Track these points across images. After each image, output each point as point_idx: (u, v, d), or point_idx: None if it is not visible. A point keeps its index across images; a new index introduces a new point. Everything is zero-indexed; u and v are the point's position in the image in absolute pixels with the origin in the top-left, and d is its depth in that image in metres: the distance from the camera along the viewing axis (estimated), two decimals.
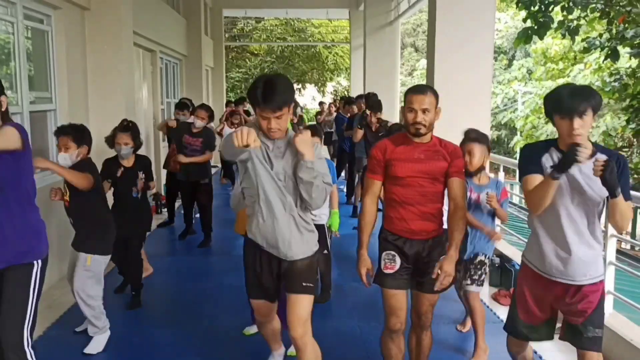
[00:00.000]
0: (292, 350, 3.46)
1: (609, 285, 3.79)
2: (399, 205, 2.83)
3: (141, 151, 4.62)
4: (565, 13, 8.27)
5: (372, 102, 7.02)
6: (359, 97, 8.59)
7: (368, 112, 6.65)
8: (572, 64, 15.90)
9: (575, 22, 8.65)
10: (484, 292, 4.43)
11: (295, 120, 7.63)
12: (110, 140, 4.32)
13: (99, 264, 3.75)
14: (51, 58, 5.34)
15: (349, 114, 8.66)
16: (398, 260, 2.84)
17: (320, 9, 16.45)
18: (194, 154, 6.17)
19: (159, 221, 7.31)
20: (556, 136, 2.52)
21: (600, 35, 9.08)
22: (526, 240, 2.77)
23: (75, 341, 3.83)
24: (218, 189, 8.91)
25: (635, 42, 8.53)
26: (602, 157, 2.33)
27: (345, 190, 8.73)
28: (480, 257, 3.62)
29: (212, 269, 5.60)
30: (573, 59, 15.99)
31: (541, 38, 8.76)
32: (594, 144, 2.47)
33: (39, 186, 2.87)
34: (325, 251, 4.53)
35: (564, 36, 8.94)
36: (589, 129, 2.40)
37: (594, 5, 8.51)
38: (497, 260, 4.99)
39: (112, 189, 4.41)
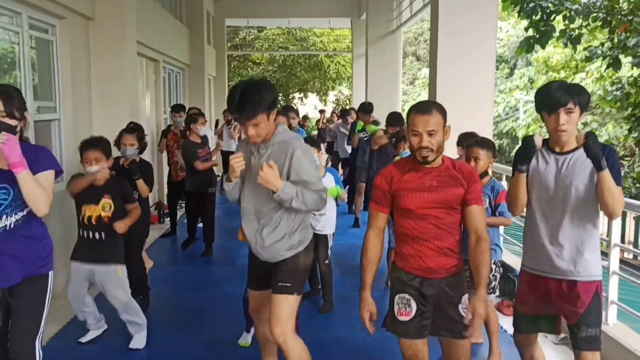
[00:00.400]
0: None
1: (613, 295, 3.78)
2: (413, 241, 2.49)
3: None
4: (566, 22, 8.32)
5: (392, 116, 6.31)
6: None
7: (387, 127, 6.21)
8: (573, 73, 15.89)
9: (576, 31, 8.70)
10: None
11: (298, 122, 7.63)
12: (117, 142, 4.46)
13: (125, 271, 3.84)
14: (56, 68, 5.37)
15: (349, 125, 8.70)
16: (414, 305, 2.48)
17: (322, 18, 16.51)
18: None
19: (161, 231, 7.31)
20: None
21: (602, 44, 9.11)
22: None
23: (78, 352, 3.82)
24: (219, 198, 8.91)
25: (637, 52, 8.55)
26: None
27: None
28: None
29: (215, 279, 5.58)
30: (575, 68, 15.98)
31: (543, 47, 8.79)
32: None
33: None
34: (327, 261, 4.53)
35: (565, 45, 8.99)
36: (576, 125, 2.47)
37: (595, 14, 8.54)
38: (500, 269, 4.95)
39: None
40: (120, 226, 3.66)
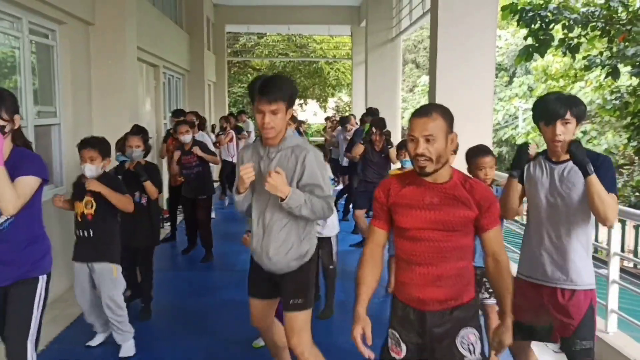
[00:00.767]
0: None
1: (613, 304, 3.77)
2: (407, 266, 2.21)
3: None
4: (565, 31, 8.36)
5: (377, 120, 6.53)
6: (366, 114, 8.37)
7: (374, 129, 6.29)
8: (572, 82, 15.95)
9: (575, 40, 8.73)
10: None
11: (295, 127, 7.55)
12: (121, 144, 4.44)
13: (120, 271, 3.80)
14: (56, 72, 5.37)
15: (348, 132, 8.65)
16: (403, 347, 2.23)
17: (322, 25, 16.57)
18: (189, 171, 6.23)
19: (161, 236, 7.29)
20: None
21: (601, 53, 9.14)
22: None
23: (79, 355, 3.81)
24: (218, 204, 8.91)
25: (635, 61, 8.58)
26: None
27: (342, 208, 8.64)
28: None
29: (215, 284, 5.57)
30: (574, 77, 16.04)
31: (542, 56, 8.83)
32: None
33: (43, 200, 2.87)
34: (331, 266, 4.50)
35: (564, 54, 9.02)
36: (572, 136, 2.51)
37: (594, 23, 8.58)
38: None
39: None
40: (92, 182, 3.55)
